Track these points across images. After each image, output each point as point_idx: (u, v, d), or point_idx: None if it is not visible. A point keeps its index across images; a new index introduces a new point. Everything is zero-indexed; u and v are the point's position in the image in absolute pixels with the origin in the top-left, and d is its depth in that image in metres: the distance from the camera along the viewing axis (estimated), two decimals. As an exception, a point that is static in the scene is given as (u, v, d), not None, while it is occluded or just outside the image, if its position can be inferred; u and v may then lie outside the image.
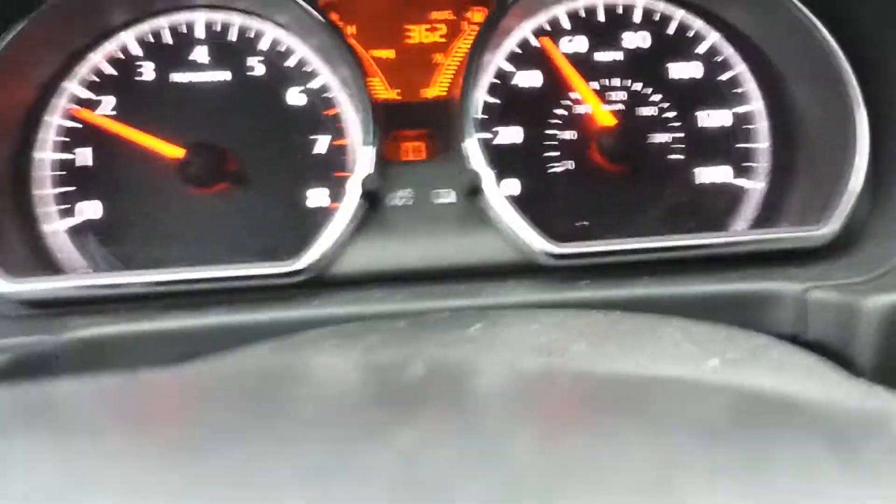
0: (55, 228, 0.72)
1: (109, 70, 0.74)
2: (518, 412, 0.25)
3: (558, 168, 0.77)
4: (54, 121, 0.73)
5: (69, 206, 0.73)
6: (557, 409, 0.26)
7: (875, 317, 0.55)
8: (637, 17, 0.80)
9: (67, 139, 0.73)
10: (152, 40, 0.75)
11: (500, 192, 0.66)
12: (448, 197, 0.70)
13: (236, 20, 0.76)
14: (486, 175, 0.66)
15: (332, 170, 0.75)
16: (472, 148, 0.68)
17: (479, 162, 0.67)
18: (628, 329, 0.45)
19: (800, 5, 0.72)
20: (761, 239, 0.66)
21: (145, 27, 0.75)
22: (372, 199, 0.67)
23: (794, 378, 0.38)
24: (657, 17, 0.80)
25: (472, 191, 0.67)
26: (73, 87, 0.73)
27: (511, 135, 0.77)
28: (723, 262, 0.64)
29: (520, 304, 0.58)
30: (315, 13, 0.72)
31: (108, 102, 0.74)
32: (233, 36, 0.76)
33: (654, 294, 0.60)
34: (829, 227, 0.65)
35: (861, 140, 0.67)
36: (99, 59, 0.74)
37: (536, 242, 0.64)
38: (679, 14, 0.80)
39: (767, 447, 0.22)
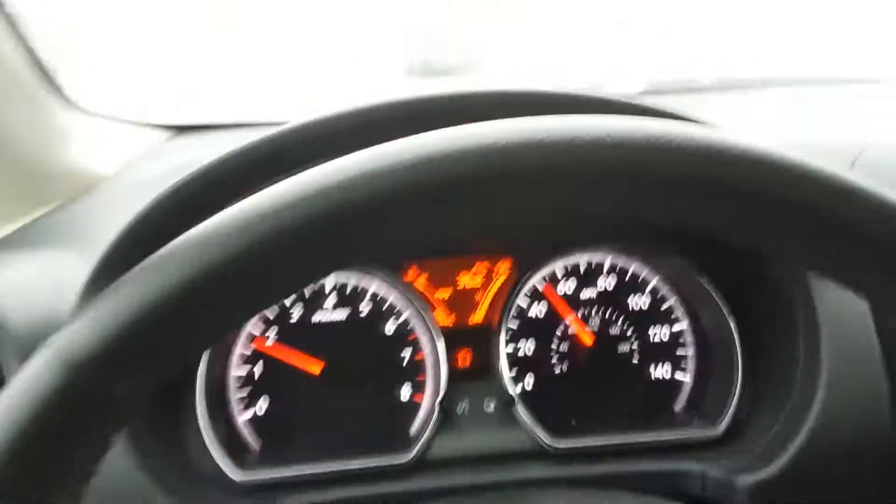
0: (240, 421, 1.13)
1: (271, 315, 1.17)
2: None
3: (556, 371, 1.19)
4: (240, 348, 1.15)
5: (247, 404, 1.14)
6: None
7: (743, 490, 0.92)
8: (606, 268, 1.23)
9: (246, 359, 1.15)
10: (298, 294, 1.18)
11: (523, 407, 1.09)
12: (490, 407, 1.13)
13: (351, 281, 1.19)
14: (515, 396, 1.09)
15: (414, 375, 1.16)
16: (504, 367, 1.11)
17: (509, 383, 1.10)
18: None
19: (694, 271, 1.14)
20: (681, 435, 1.07)
21: (294, 286, 1.18)
22: (445, 410, 1.09)
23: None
24: (618, 268, 1.23)
25: (507, 404, 1.10)
26: (251, 326, 1.16)
27: (527, 349, 1.20)
28: (660, 448, 1.05)
29: (536, 480, 0.99)
30: (397, 279, 1.15)
31: (271, 335, 1.16)
32: (349, 290, 1.19)
33: (617, 471, 1.01)
34: (719, 427, 1.05)
35: (737, 366, 1.07)
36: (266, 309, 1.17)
37: (546, 438, 1.06)
38: (632, 265, 1.23)
39: None
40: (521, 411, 1.09)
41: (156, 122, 1.47)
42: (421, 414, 1.14)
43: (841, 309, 0.96)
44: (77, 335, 0.38)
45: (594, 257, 1.23)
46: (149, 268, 0.39)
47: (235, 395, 1.13)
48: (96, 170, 1.27)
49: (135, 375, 0.39)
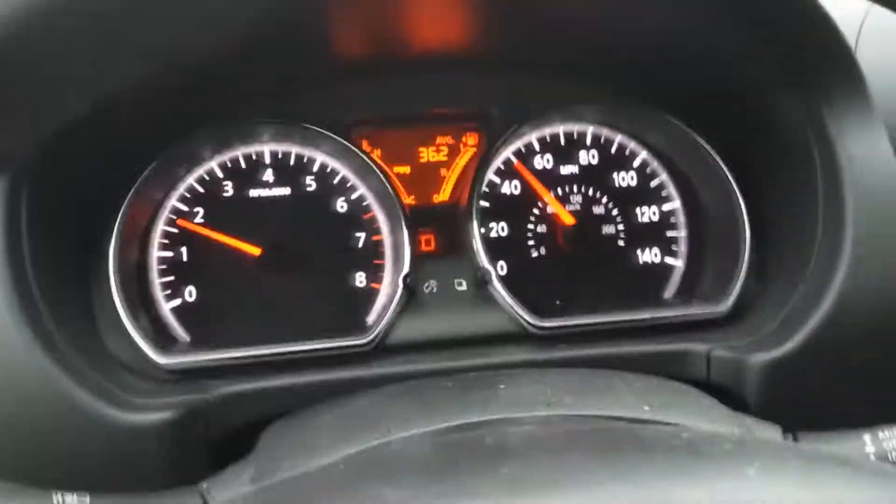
0: (166, 309, 0.96)
1: (200, 189, 0.99)
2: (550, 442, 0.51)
3: (534, 254, 1.04)
4: (161, 227, 0.97)
5: (173, 291, 0.96)
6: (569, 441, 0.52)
7: (755, 370, 0.80)
8: (588, 140, 1.08)
9: (170, 241, 0.97)
10: (231, 166, 1.00)
11: (501, 284, 0.93)
12: (462, 286, 0.97)
13: (293, 150, 1.01)
14: (492, 271, 0.93)
15: (371, 259, 1.00)
16: (478, 246, 0.95)
17: (483, 259, 0.94)
18: (594, 384, 0.71)
19: (690, 131, 1.00)
20: (680, 313, 0.94)
21: (226, 156, 0.99)
22: (410, 289, 0.93)
23: (693, 414, 0.65)
24: (602, 140, 1.08)
25: (482, 282, 0.94)
26: (174, 202, 0.97)
27: (500, 230, 1.04)
28: (655, 329, 0.92)
29: (518, 363, 0.85)
30: (350, 145, 0.98)
31: (199, 213, 0.98)
32: (291, 161, 1.01)
33: (609, 353, 0.87)
34: (725, 305, 0.92)
35: (744, 237, 0.94)
36: (192, 181, 0.98)
37: (528, 318, 0.91)
38: (617, 137, 1.08)
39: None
40: (499, 289, 0.93)
41: None
42: (381, 297, 0.98)
43: (866, 160, 0.83)
44: None
45: (573, 128, 1.07)
46: None
47: (158, 279, 0.95)
48: None
49: None
